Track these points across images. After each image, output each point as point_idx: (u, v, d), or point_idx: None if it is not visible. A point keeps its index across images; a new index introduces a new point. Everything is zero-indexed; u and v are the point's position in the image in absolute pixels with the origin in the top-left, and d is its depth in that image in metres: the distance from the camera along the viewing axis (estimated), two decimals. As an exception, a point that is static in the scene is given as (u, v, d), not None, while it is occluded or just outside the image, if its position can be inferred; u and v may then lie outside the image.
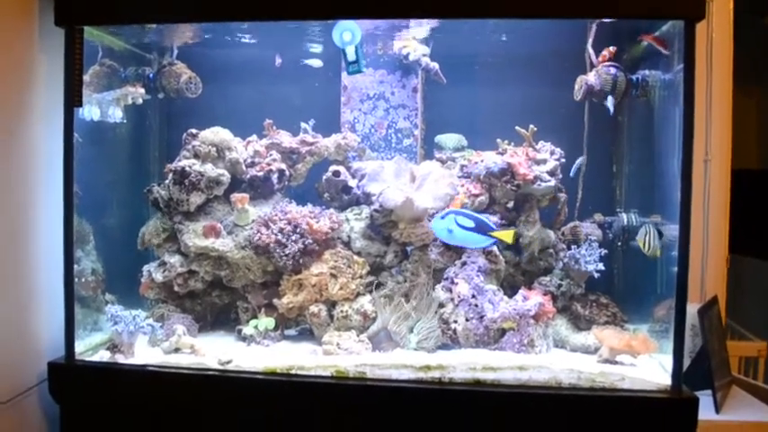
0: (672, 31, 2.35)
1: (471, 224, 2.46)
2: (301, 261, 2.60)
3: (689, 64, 2.18)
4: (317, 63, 2.91)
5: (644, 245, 2.45)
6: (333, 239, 2.69)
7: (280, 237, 2.59)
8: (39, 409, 2.49)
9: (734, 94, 2.89)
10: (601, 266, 2.59)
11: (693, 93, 2.19)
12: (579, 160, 2.74)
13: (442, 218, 2.49)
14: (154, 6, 2.37)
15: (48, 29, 2.39)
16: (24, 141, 2.43)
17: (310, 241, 2.59)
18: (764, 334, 3.27)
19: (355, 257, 2.67)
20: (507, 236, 2.52)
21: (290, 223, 2.60)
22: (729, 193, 2.90)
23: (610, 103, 2.59)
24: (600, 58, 2.65)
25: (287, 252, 2.58)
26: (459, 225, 2.45)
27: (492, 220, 2.56)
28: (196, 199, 2.70)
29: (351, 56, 2.61)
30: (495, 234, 2.46)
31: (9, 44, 2.36)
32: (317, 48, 2.88)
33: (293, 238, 2.59)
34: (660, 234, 2.42)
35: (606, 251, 2.63)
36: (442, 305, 2.56)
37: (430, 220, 2.67)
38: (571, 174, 2.75)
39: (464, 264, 2.61)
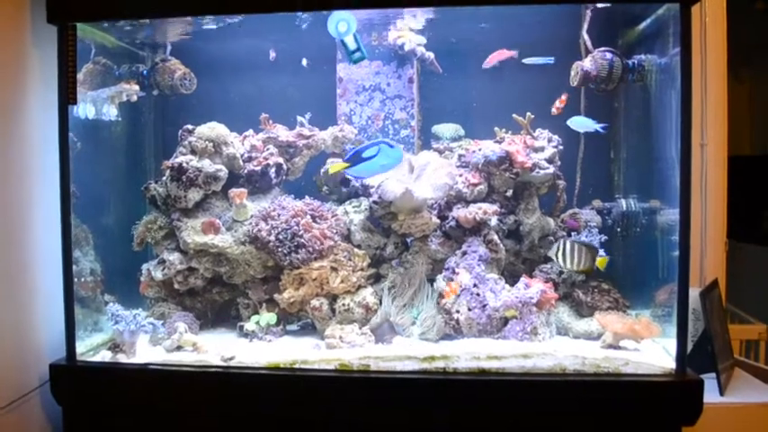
0: (667, 15, 2.35)
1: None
2: (300, 260, 2.60)
3: (685, 47, 2.18)
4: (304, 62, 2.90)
5: (558, 260, 2.46)
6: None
7: (281, 236, 2.58)
8: (41, 411, 2.47)
9: (727, 81, 2.90)
10: (601, 252, 2.58)
11: (690, 75, 2.18)
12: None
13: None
14: (146, 1, 2.35)
15: (40, 26, 2.36)
16: (19, 141, 2.41)
17: (309, 249, 2.59)
18: (763, 318, 3.28)
19: (356, 250, 2.67)
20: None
21: (288, 227, 2.59)
22: (726, 177, 2.91)
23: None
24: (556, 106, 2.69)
25: (286, 253, 2.57)
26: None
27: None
28: (194, 195, 2.69)
29: (351, 45, 2.60)
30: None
31: (1, 42, 2.33)
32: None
33: (294, 242, 2.58)
34: (586, 246, 2.43)
35: (606, 237, 2.63)
36: (443, 295, 2.56)
37: (430, 211, 2.67)
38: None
39: (465, 253, 2.61)
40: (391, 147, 2.50)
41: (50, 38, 2.36)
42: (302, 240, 2.58)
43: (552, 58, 2.71)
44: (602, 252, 2.50)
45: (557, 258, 2.46)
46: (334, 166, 2.61)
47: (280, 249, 2.57)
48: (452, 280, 2.55)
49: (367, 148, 2.51)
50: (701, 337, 2.49)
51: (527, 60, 2.71)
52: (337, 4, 2.38)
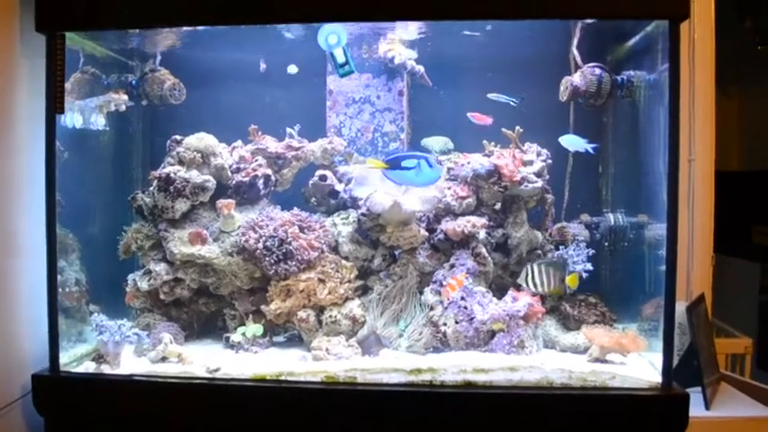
0: (656, 31, 2.37)
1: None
2: (288, 271, 2.58)
3: (674, 64, 2.20)
4: (293, 70, 2.88)
5: (529, 286, 2.45)
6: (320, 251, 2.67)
7: (268, 243, 2.57)
8: (23, 423, 2.44)
9: (715, 95, 2.92)
10: (589, 266, 2.59)
11: (679, 92, 2.20)
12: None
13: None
14: (135, 11, 2.34)
15: (29, 35, 2.36)
16: (5, 149, 2.39)
17: (295, 262, 2.58)
18: (749, 332, 3.29)
19: (343, 262, 2.66)
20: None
21: (276, 234, 2.58)
22: (714, 192, 2.92)
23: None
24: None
25: (274, 261, 2.56)
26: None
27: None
28: (181, 206, 2.67)
29: (340, 58, 2.61)
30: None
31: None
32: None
33: (281, 249, 2.57)
34: (553, 266, 2.44)
35: (594, 251, 2.63)
36: (431, 308, 2.56)
37: (418, 224, 2.67)
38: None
39: (452, 266, 2.60)
40: (430, 166, 2.49)
41: (39, 46, 2.35)
42: (290, 248, 2.57)
43: (516, 100, 2.72)
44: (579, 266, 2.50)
45: (527, 285, 2.46)
46: (373, 160, 2.59)
47: (267, 258, 2.56)
48: (440, 293, 2.55)
49: (408, 157, 2.51)
50: (687, 351, 2.49)
51: (491, 96, 2.73)
52: (326, 17, 2.38)
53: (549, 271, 2.42)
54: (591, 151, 2.64)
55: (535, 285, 2.43)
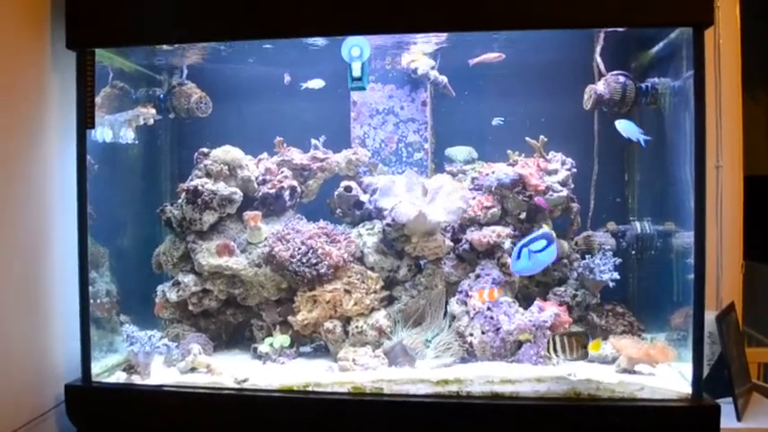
0: (680, 38, 2.35)
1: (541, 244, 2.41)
2: (316, 274, 2.60)
3: (698, 71, 2.18)
4: (318, 84, 2.90)
5: (551, 354, 2.41)
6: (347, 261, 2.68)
7: (296, 252, 2.59)
8: (56, 432, 2.49)
9: (742, 100, 2.88)
10: (616, 276, 2.57)
11: (704, 99, 2.18)
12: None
13: (518, 258, 2.40)
14: (163, 27, 2.39)
15: (59, 51, 2.42)
16: (38, 164, 2.44)
17: (324, 268, 2.60)
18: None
19: (369, 273, 2.67)
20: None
21: (304, 244, 2.61)
22: (743, 199, 2.89)
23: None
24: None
25: (304, 263, 2.58)
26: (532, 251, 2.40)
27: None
28: (209, 218, 2.71)
29: (356, 72, 2.62)
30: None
31: (22, 67, 2.38)
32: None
33: (308, 258, 2.59)
34: (575, 335, 2.42)
35: (620, 260, 2.61)
36: (457, 318, 2.55)
37: (443, 234, 2.67)
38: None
39: (478, 276, 2.60)
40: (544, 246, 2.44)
41: (69, 62, 2.41)
42: (319, 252, 2.58)
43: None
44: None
45: (549, 353, 2.41)
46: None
47: (295, 265, 2.58)
48: (466, 303, 2.55)
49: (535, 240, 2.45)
50: (718, 361, 2.46)
51: (495, 121, 2.80)
52: (348, 30, 2.42)
53: (572, 341, 2.40)
54: (642, 143, 2.60)
55: (557, 354, 2.41)
